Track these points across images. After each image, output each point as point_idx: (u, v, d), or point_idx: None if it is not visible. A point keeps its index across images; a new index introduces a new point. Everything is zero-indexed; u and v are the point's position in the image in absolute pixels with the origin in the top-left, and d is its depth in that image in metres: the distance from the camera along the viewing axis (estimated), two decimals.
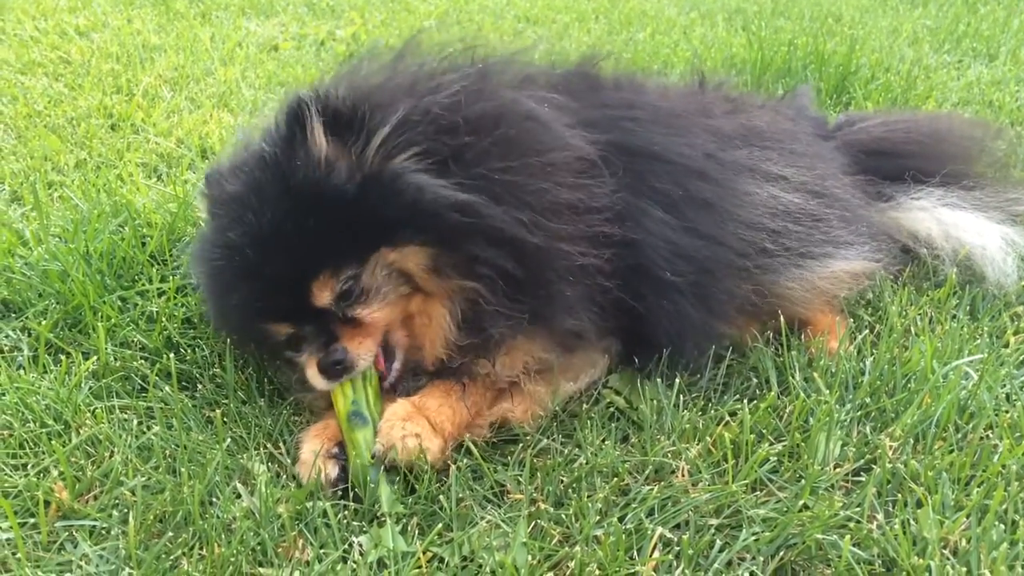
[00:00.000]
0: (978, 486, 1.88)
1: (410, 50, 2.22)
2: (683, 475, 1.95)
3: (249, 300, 1.98)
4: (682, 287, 2.13)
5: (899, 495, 1.86)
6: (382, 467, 1.89)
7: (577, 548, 1.73)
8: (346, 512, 1.83)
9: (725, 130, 2.44)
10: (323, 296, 1.93)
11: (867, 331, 2.45)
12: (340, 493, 1.90)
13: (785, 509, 1.84)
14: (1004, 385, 2.24)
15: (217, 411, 2.04)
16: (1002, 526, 1.76)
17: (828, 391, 2.14)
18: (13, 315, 2.46)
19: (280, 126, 1.94)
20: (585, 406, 2.16)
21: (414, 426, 1.90)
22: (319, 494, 1.87)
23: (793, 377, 2.23)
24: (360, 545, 1.76)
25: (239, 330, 2.16)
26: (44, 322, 2.34)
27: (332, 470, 1.92)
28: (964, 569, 1.66)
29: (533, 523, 1.81)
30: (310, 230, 1.90)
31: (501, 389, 2.10)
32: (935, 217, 2.82)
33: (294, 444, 2.04)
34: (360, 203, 1.90)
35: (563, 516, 1.83)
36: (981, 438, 2.02)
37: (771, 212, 2.32)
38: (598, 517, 1.81)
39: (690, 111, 2.46)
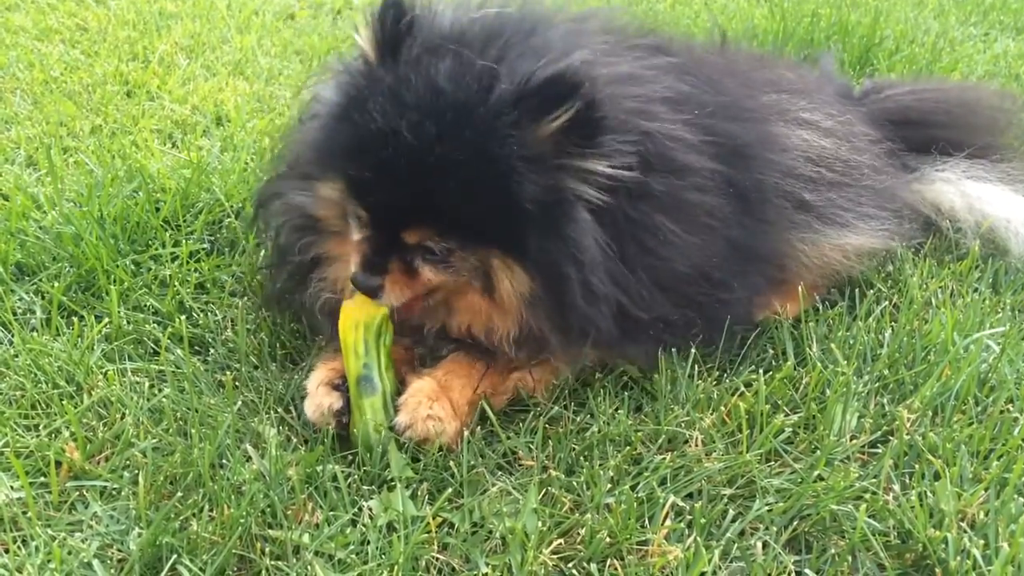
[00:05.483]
0: (997, 459, 1.86)
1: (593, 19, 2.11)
2: (697, 445, 1.93)
3: (362, 170, 1.80)
4: (732, 283, 2.08)
5: (916, 467, 1.84)
6: (392, 436, 1.88)
7: (588, 515, 1.72)
8: (356, 476, 1.83)
9: (753, 79, 2.40)
10: (409, 236, 1.84)
11: (886, 303, 2.41)
12: (345, 424, 1.92)
13: (800, 480, 1.82)
14: None
15: (228, 375, 2.03)
16: (1021, 499, 1.74)
17: (845, 362, 2.11)
18: (27, 278, 2.46)
19: (534, 82, 1.71)
20: (598, 375, 2.13)
21: (439, 408, 1.88)
22: (328, 432, 1.89)
23: (810, 348, 2.20)
24: (370, 509, 1.75)
25: (326, 172, 1.92)
26: (57, 285, 2.33)
27: (337, 402, 1.92)
28: (982, 542, 1.63)
29: (544, 490, 1.80)
30: (462, 185, 1.75)
31: (518, 366, 2.07)
32: (959, 190, 2.77)
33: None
34: (519, 202, 1.75)
35: (574, 484, 1.81)
36: (1001, 411, 2.00)
37: (806, 158, 2.29)
38: (610, 485, 1.79)
39: (723, 70, 2.41)
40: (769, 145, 2.23)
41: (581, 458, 1.89)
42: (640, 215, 1.87)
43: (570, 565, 1.66)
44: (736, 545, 1.69)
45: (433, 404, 1.88)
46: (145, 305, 2.35)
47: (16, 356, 2.12)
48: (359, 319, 1.92)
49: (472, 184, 1.76)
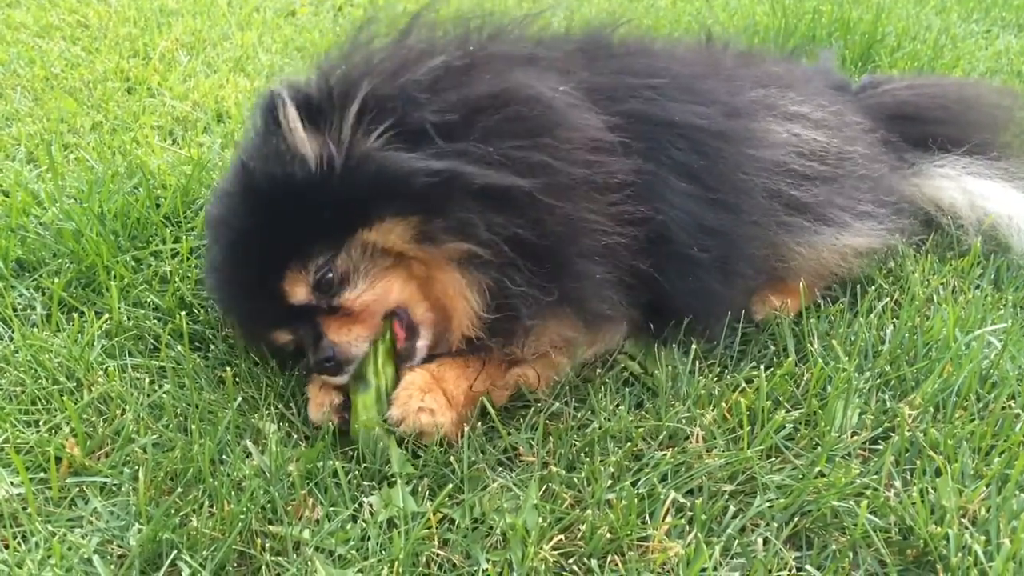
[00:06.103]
0: (999, 455, 1.85)
1: (417, 25, 2.10)
2: (697, 441, 1.92)
3: (242, 317, 2.06)
4: (707, 263, 2.07)
5: (918, 463, 1.83)
6: (390, 432, 1.87)
7: (588, 512, 1.71)
8: (356, 472, 1.83)
9: (739, 75, 2.39)
10: (297, 292, 1.90)
11: (888, 299, 2.41)
12: (346, 419, 1.94)
13: (801, 476, 1.81)
14: None
15: (229, 371, 2.03)
16: (1023, 495, 1.73)
17: (847, 358, 2.11)
18: (27, 274, 2.46)
19: (256, 125, 1.91)
20: (599, 371, 2.13)
21: (431, 400, 1.87)
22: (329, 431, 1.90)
23: (811, 344, 2.20)
24: (370, 505, 1.75)
25: (253, 345, 2.15)
26: (58, 281, 2.34)
27: (336, 398, 1.96)
28: (983, 538, 1.63)
29: (544, 486, 1.80)
30: (274, 229, 1.87)
31: (519, 360, 2.06)
32: (960, 186, 2.75)
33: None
34: (329, 189, 1.82)
35: (575, 480, 1.81)
36: (1003, 407, 1.99)
37: (798, 153, 2.27)
38: (610, 481, 1.79)
39: (704, 66, 2.40)
40: (750, 142, 2.20)
41: (582, 454, 1.89)
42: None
43: (570, 561, 1.65)
44: (737, 541, 1.69)
45: (425, 396, 1.87)
46: (145, 301, 2.35)
47: (16, 352, 2.12)
48: None
49: (282, 207, 1.86)
